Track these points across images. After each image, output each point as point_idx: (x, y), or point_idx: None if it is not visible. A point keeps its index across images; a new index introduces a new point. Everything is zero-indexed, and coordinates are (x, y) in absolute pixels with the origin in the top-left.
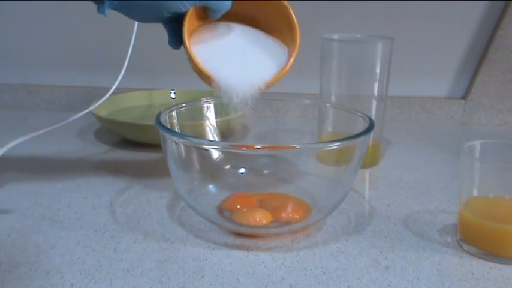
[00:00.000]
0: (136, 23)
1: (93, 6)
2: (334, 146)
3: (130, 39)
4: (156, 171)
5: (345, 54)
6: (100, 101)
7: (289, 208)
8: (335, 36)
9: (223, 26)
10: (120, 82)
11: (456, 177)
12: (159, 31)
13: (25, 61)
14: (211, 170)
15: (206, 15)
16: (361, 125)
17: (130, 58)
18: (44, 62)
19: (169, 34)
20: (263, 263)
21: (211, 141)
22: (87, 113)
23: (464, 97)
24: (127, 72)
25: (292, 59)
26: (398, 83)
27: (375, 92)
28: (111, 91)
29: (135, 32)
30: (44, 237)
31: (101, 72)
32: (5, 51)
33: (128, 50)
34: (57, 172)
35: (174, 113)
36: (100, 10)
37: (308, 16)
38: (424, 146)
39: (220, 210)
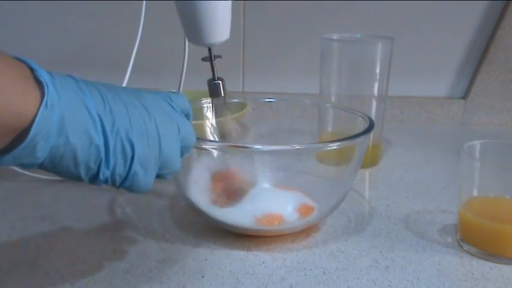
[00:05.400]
0: (141, 24)
1: (94, 6)
2: (334, 146)
3: (132, 40)
4: None
5: (345, 54)
6: None
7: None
8: (335, 36)
9: None
10: (120, 82)
11: (456, 177)
12: (160, 32)
13: None
14: (211, 170)
15: None
16: (361, 125)
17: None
18: (45, 62)
19: None
20: (263, 263)
21: (211, 141)
22: None
23: (464, 97)
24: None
25: None
26: (398, 83)
27: (375, 92)
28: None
29: (139, 33)
30: (44, 237)
31: (102, 72)
32: (5, 52)
33: (131, 50)
34: None
35: None
36: None
37: (308, 16)
38: (424, 146)
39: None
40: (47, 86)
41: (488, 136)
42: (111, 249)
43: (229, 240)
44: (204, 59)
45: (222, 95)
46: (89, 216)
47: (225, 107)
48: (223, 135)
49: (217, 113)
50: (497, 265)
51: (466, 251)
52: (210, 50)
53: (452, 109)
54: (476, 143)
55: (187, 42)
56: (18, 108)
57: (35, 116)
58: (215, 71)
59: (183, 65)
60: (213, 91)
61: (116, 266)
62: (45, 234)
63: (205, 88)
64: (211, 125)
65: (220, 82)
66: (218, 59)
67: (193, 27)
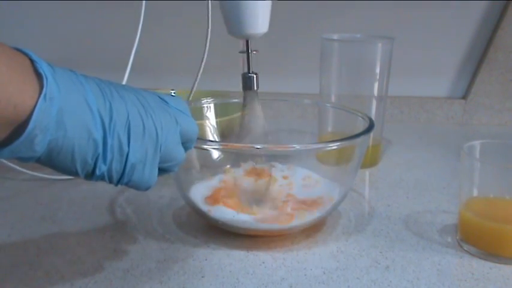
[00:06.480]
0: (141, 23)
1: (94, 6)
2: (334, 146)
3: (132, 39)
4: None
5: (345, 54)
6: None
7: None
8: (335, 36)
9: None
10: (119, 82)
11: (456, 177)
12: (160, 31)
13: None
14: (211, 170)
15: None
16: (361, 125)
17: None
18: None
19: None
20: (263, 263)
21: (211, 141)
22: None
23: (464, 97)
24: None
25: None
26: (398, 83)
27: (375, 92)
28: None
29: (139, 33)
30: (44, 237)
31: (101, 72)
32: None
33: (130, 50)
34: (57, 172)
35: None
36: None
37: (308, 16)
38: (424, 146)
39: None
40: (47, 78)
41: (488, 136)
42: (111, 249)
43: (229, 240)
44: (241, 52)
45: (255, 88)
46: (89, 216)
47: (256, 102)
48: (249, 130)
49: (246, 108)
50: (497, 265)
51: (466, 251)
52: (247, 42)
53: (452, 109)
54: (476, 143)
55: (208, 42)
56: (15, 99)
57: (34, 108)
58: (250, 64)
59: (201, 65)
60: (246, 84)
61: (116, 266)
62: (45, 234)
63: (205, 88)
64: (211, 125)
65: (255, 75)
66: (255, 53)
67: (234, 17)
